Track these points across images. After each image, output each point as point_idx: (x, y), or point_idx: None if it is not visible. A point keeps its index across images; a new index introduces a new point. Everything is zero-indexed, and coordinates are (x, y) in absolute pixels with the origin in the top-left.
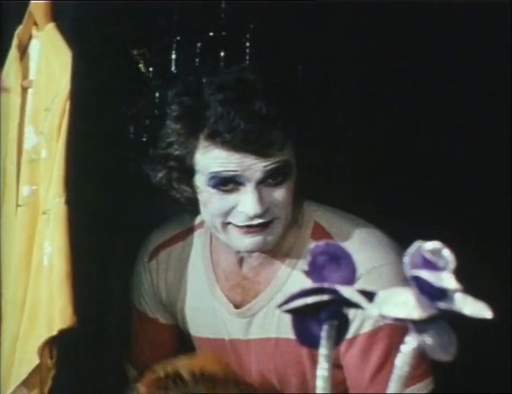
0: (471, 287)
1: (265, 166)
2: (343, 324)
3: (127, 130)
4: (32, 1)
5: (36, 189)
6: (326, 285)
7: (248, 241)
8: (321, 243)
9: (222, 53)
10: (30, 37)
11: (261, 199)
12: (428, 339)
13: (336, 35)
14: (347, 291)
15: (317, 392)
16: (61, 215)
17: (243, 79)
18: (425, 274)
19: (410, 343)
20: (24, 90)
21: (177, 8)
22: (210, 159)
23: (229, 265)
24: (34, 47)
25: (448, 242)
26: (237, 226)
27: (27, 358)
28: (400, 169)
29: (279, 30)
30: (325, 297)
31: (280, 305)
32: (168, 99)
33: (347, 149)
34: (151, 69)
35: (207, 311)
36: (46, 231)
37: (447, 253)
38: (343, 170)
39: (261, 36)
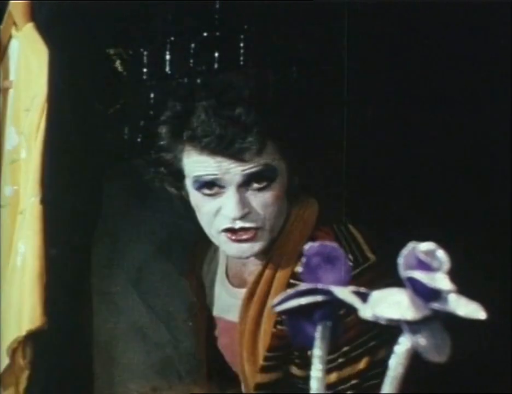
0: (465, 288)
1: (243, 170)
2: (337, 325)
3: (122, 130)
4: (11, 1)
5: (17, 189)
6: (320, 286)
7: (235, 247)
8: (316, 244)
9: (216, 54)
10: (10, 37)
11: (242, 202)
12: (422, 340)
13: (332, 36)
14: (341, 292)
15: (311, 393)
16: (36, 214)
17: (230, 85)
18: (419, 275)
19: (404, 344)
20: (5, 91)
21: (171, 8)
22: (193, 163)
23: (236, 269)
24: (14, 47)
25: (442, 243)
26: (223, 231)
27: (1, 358)
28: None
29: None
30: (319, 298)
31: (274, 305)
32: (160, 104)
33: (335, 155)
34: (145, 70)
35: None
36: (20, 231)
37: (441, 254)
38: (332, 176)
39: (255, 37)
